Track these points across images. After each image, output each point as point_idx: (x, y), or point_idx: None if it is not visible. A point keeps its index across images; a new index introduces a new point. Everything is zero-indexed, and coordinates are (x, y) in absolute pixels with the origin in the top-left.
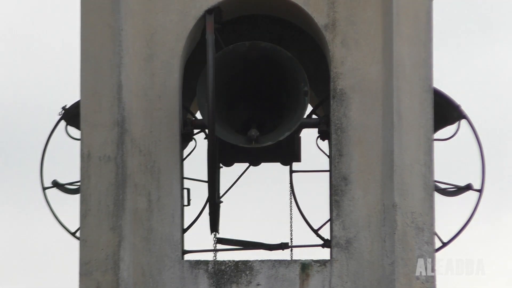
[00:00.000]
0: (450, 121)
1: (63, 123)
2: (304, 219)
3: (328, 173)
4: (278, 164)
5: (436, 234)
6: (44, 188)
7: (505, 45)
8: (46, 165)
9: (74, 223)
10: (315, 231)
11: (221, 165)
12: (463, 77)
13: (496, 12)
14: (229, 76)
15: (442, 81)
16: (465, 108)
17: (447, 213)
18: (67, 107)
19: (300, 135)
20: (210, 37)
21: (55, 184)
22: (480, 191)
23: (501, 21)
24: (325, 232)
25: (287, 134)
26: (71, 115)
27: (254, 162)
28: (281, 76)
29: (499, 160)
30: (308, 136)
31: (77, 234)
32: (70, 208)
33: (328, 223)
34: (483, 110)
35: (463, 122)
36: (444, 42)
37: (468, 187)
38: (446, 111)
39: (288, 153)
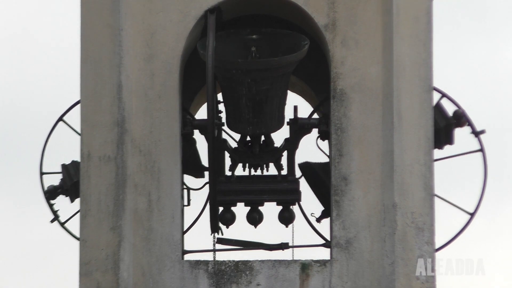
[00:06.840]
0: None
1: (61, 124)
2: (307, 220)
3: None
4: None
5: (459, 207)
6: (45, 192)
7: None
8: (45, 166)
9: (74, 225)
10: (318, 233)
11: (221, 225)
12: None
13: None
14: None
15: (439, 77)
16: (462, 104)
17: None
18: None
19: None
20: (211, 37)
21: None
22: (472, 214)
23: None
24: (326, 233)
25: (284, 56)
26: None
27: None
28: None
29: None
30: (308, 136)
31: None
32: (70, 209)
33: (328, 223)
34: (480, 105)
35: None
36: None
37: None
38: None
39: (288, 193)
